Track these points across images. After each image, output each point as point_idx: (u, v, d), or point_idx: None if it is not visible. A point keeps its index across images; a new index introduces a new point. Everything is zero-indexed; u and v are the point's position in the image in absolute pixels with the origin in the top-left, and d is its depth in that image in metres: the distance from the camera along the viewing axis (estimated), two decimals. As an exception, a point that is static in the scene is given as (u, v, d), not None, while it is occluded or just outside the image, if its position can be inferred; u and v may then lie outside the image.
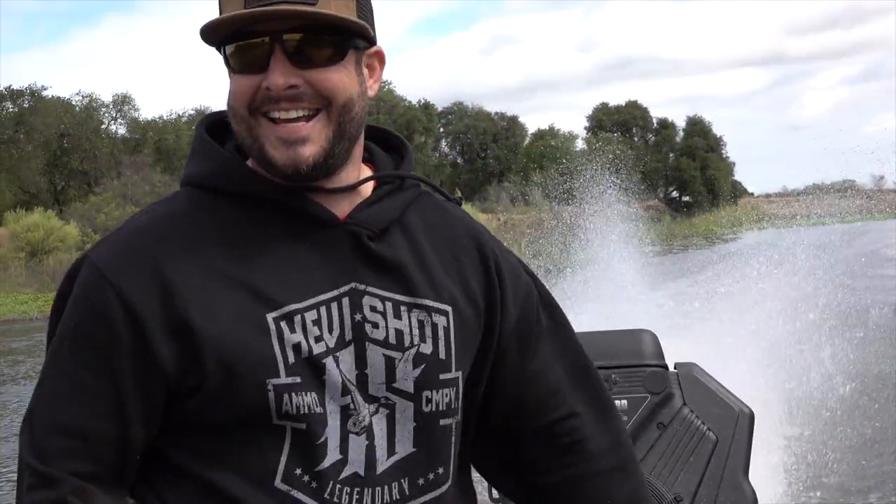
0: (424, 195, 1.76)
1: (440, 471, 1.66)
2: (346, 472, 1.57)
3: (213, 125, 1.71)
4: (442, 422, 1.65)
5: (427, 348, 1.63)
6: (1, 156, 63.63)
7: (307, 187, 1.61)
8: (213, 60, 1.75)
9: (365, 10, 1.62)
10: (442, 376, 1.64)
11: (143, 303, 1.53)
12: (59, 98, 67.52)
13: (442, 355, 1.64)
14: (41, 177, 65.43)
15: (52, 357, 1.58)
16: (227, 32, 1.58)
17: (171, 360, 1.53)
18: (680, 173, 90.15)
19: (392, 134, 1.80)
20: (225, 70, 1.63)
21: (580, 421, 1.80)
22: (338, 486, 1.57)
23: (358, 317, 1.60)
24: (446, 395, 1.65)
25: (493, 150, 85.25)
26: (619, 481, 1.82)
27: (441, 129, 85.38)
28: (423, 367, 1.62)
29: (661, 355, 3.00)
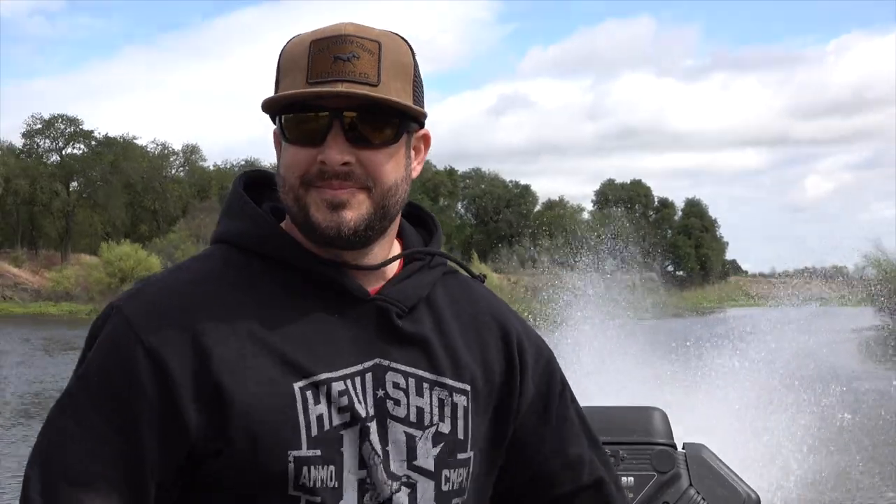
0: (450, 271, 1.69)
1: None
2: None
3: (249, 182, 1.65)
4: (455, 501, 1.57)
5: (445, 427, 1.55)
6: (97, 194, 76.82)
7: (342, 263, 1.54)
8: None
9: (419, 93, 1.57)
10: (459, 456, 1.57)
11: (173, 363, 1.44)
12: (139, 145, 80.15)
13: (460, 435, 1.57)
14: (126, 214, 77.23)
15: (72, 406, 1.47)
16: (286, 103, 1.52)
17: (197, 424, 1.44)
18: (676, 249, 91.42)
19: (423, 210, 1.73)
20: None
21: (608, 488, 1.75)
22: None
23: (381, 392, 1.52)
24: (460, 475, 1.57)
25: (505, 215, 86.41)
26: None
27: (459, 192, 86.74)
28: (441, 445, 1.55)
29: (670, 434, 2.82)
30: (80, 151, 79.38)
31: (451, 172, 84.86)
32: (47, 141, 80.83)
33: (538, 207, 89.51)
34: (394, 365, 1.53)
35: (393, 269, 1.61)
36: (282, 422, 1.45)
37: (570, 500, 1.72)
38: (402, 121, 1.53)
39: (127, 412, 1.44)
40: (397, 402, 1.52)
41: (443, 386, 1.56)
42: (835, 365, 11.46)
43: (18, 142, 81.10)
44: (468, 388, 1.58)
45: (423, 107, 1.58)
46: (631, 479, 2.72)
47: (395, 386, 1.53)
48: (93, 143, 79.05)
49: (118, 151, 77.51)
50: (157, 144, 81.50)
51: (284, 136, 1.53)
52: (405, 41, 1.57)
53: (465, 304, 1.66)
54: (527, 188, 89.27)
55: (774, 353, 12.15)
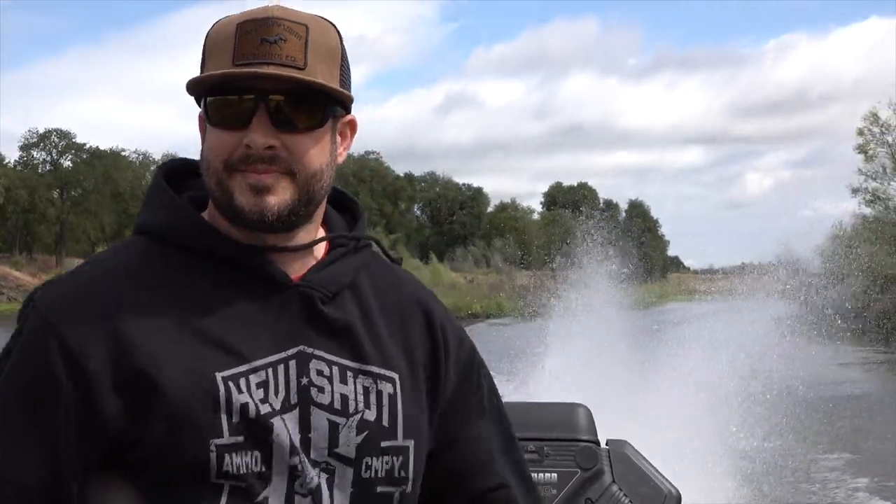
0: (374, 257, 1.62)
1: None
2: None
3: (170, 172, 1.57)
4: (380, 489, 1.48)
5: (371, 415, 1.48)
6: (89, 202, 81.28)
7: (263, 246, 1.47)
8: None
9: (346, 78, 1.51)
10: (384, 444, 1.48)
11: (89, 354, 1.37)
12: (124, 156, 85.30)
13: (385, 423, 1.49)
14: (115, 220, 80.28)
15: None
16: (211, 84, 1.45)
17: (115, 415, 1.37)
18: (620, 249, 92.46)
19: (347, 195, 1.65)
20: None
21: (511, 493, 1.64)
22: None
23: (304, 380, 1.45)
24: (387, 463, 1.49)
25: (459, 216, 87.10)
26: None
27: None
28: (365, 433, 1.47)
29: (593, 431, 2.72)
30: (71, 162, 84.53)
31: (410, 179, 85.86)
32: (42, 153, 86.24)
33: (490, 209, 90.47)
34: (317, 352, 1.47)
35: (317, 255, 1.54)
36: (203, 410, 1.38)
37: (487, 498, 1.63)
38: (329, 105, 1.47)
39: (45, 409, 1.38)
40: (321, 390, 1.45)
41: (367, 374, 1.49)
42: (751, 351, 11.56)
43: (15, 153, 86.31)
44: (395, 375, 1.52)
45: (349, 91, 1.51)
46: (554, 475, 2.63)
47: (319, 373, 1.46)
48: (84, 155, 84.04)
49: (108, 163, 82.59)
50: (139, 154, 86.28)
51: (209, 119, 1.46)
52: (333, 25, 1.51)
53: (389, 290, 1.59)
54: (479, 191, 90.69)
55: (692, 343, 12.18)
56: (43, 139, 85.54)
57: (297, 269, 1.50)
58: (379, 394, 1.49)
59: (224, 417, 1.38)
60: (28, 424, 1.38)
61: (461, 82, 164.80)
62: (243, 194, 1.43)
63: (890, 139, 39.07)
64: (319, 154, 1.47)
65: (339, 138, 1.52)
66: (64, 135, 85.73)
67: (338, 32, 1.51)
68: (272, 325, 1.45)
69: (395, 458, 1.49)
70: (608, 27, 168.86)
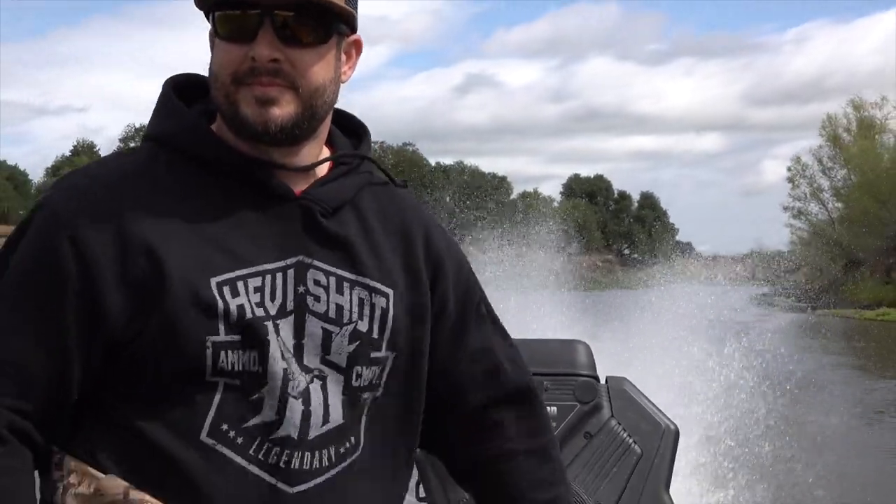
0: (378, 180, 1.55)
1: (353, 440, 1.43)
2: (279, 434, 1.35)
3: (178, 86, 1.49)
4: (364, 395, 1.43)
5: (363, 326, 1.42)
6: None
7: (268, 162, 1.41)
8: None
9: None
10: (373, 354, 1.43)
11: (97, 249, 1.32)
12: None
13: (375, 334, 1.43)
14: None
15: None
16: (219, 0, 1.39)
17: (118, 309, 1.31)
18: (631, 236, 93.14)
19: (354, 118, 1.58)
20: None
21: (509, 407, 1.59)
22: (266, 444, 1.35)
23: (301, 289, 1.39)
24: (372, 372, 1.43)
25: (484, 204, 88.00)
26: (539, 463, 1.59)
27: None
28: (357, 343, 1.41)
29: (593, 367, 2.56)
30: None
31: (444, 170, 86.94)
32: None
33: (513, 196, 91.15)
34: (316, 263, 1.41)
35: (321, 173, 1.47)
36: (201, 308, 1.32)
37: (488, 411, 1.58)
38: (334, 22, 1.40)
39: (51, 300, 1.32)
40: (317, 299, 1.39)
41: (364, 286, 1.43)
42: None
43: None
44: (390, 290, 1.45)
45: (356, 11, 1.44)
46: (554, 408, 2.47)
47: (316, 283, 1.40)
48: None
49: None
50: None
51: (216, 33, 1.40)
52: None
53: (391, 210, 1.52)
54: (503, 179, 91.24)
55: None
56: (137, 133, 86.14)
57: (300, 184, 1.43)
58: (373, 306, 1.43)
59: (221, 316, 1.32)
60: (35, 313, 1.32)
61: (481, 63, 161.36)
62: (249, 106, 1.37)
63: (808, 174, 58.76)
64: (323, 70, 1.40)
65: (344, 57, 1.45)
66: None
67: None
68: (273, 236, 1.39)
69: (377, 368, 1.44)
70: (629, 12, 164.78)
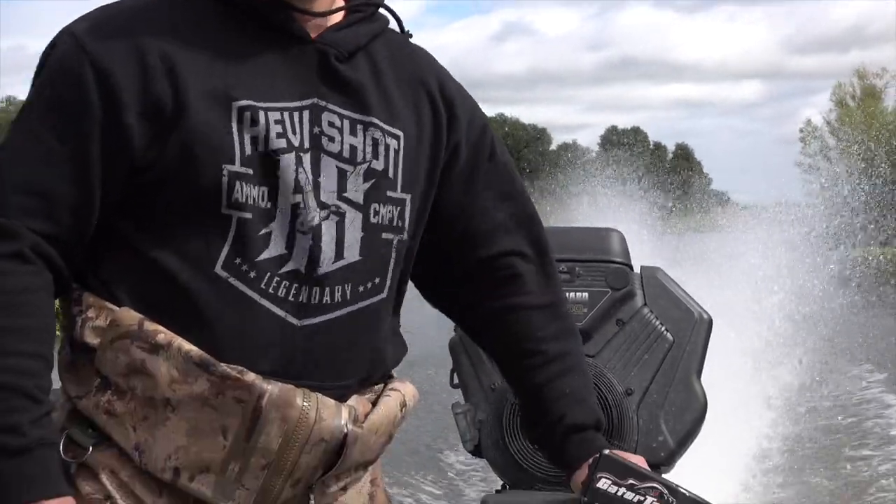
0: (392, 31, 1.50)
1: (377, 280, 1.41)
2: (287, 268, 1.33)
3: None
4: (384, 235, 1.40)
5: (378, 165, 1.39)
6: None
7: (287, 4, 1.37)
8: None
9: None
10: (389, 193, 1.40)
11: (119, 75, 1.29)
12: None
13: (391, 174, 1.41)
14: None
15: (22, 121, 1.32)
16: None
17: (139, 134, 1.28)
18: (667, 187, 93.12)
19: None
20: None
21: (522, 259, 1.55)
22: (276, 278, 1.32)
23: (316, 130, 1.36)
24: (391, 212, 1.41)
25: (525, 154, 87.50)
26: (550, 318, 1.55)
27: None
28: (372, 181, 1.39)
29: (627, 255, 2.41)
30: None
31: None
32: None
33: (552, 147, 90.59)
34: (330, 106, 1.38)
35: (335, 20, 1.43)
36: (218, 136, 1.29)
37: (510, 260, 1.55)
38: None
39: (74, 125, 1.28)
40: (331, 139, 1.37)
41: (376, 127, 1.40)
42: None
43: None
44: (400, 133, 1.42)
45: None
46: (585, 294, 2.32)
47: (331, 125, 1.38)
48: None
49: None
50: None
51: None
52: None
53: (405, 60, 1.49)
54: (543, 131, 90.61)
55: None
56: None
57: (315, 30, 1.39)
58: (387, 147, 1.40)
59: (237, 144, 1.29)
60: (58, 138, 1.29)
61: (518, 11, 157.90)
62: None
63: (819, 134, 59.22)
64: None
65: None
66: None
67: None
68: (290, 76, 1.36)
69: (395, 208, 1.41)
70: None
